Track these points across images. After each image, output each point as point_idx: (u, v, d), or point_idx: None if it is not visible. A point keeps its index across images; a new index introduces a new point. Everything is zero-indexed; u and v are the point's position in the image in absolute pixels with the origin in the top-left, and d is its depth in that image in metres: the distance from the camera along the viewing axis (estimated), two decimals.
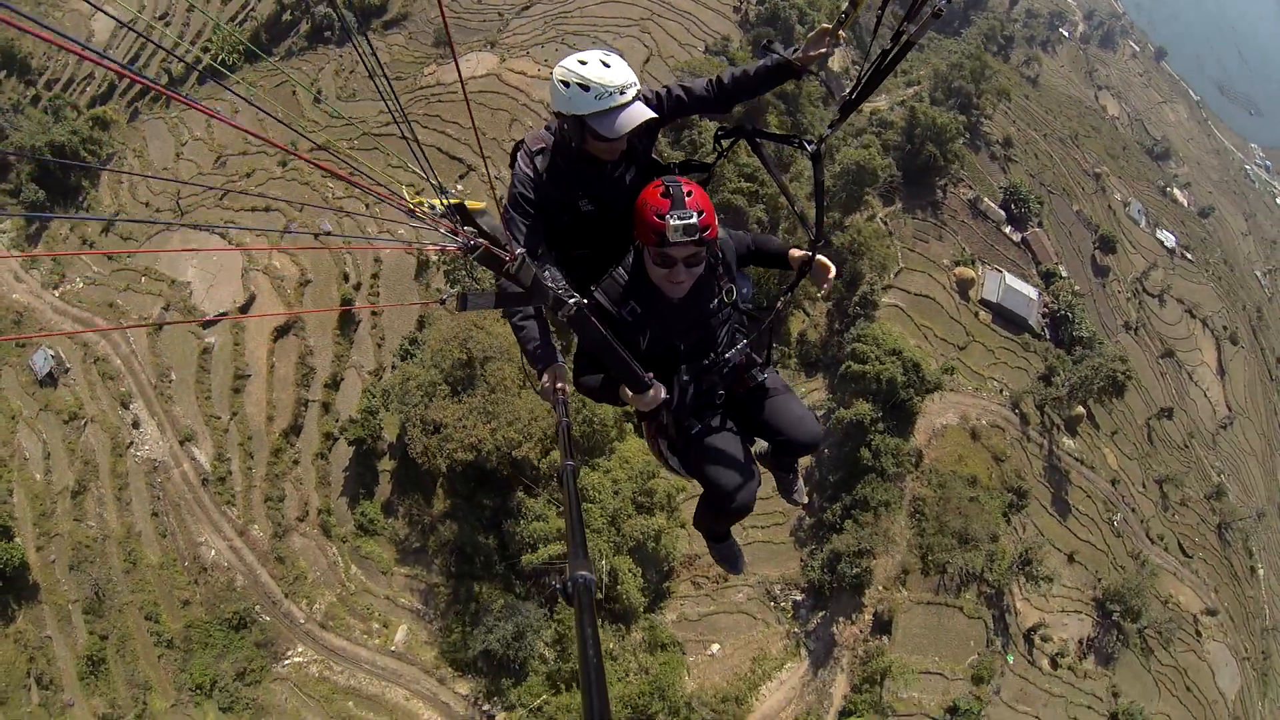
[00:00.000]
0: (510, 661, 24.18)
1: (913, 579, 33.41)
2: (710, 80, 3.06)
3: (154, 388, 26.28)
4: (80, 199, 30.07)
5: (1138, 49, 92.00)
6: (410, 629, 26.25)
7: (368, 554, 26.98)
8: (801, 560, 32.32)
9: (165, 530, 24.82)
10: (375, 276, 30.61)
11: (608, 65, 2.64)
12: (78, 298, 27.86)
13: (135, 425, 25.61)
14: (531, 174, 2.88)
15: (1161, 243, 56.34)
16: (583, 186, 2.89)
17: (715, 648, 29.42)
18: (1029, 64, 64.38)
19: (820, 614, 31.31)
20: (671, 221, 2.61)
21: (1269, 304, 66.88)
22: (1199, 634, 41.50)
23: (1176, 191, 65.89)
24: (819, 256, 3.21)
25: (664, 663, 25.69)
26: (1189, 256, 57.65)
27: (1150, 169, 68.25)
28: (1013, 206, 47.33)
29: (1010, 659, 33.76)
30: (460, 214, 1.94)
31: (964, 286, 42.56)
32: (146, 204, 31.01)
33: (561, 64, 2.72)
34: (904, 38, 2.50)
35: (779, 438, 3.32)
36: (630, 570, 26.24)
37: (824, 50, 2.85)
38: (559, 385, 2.74)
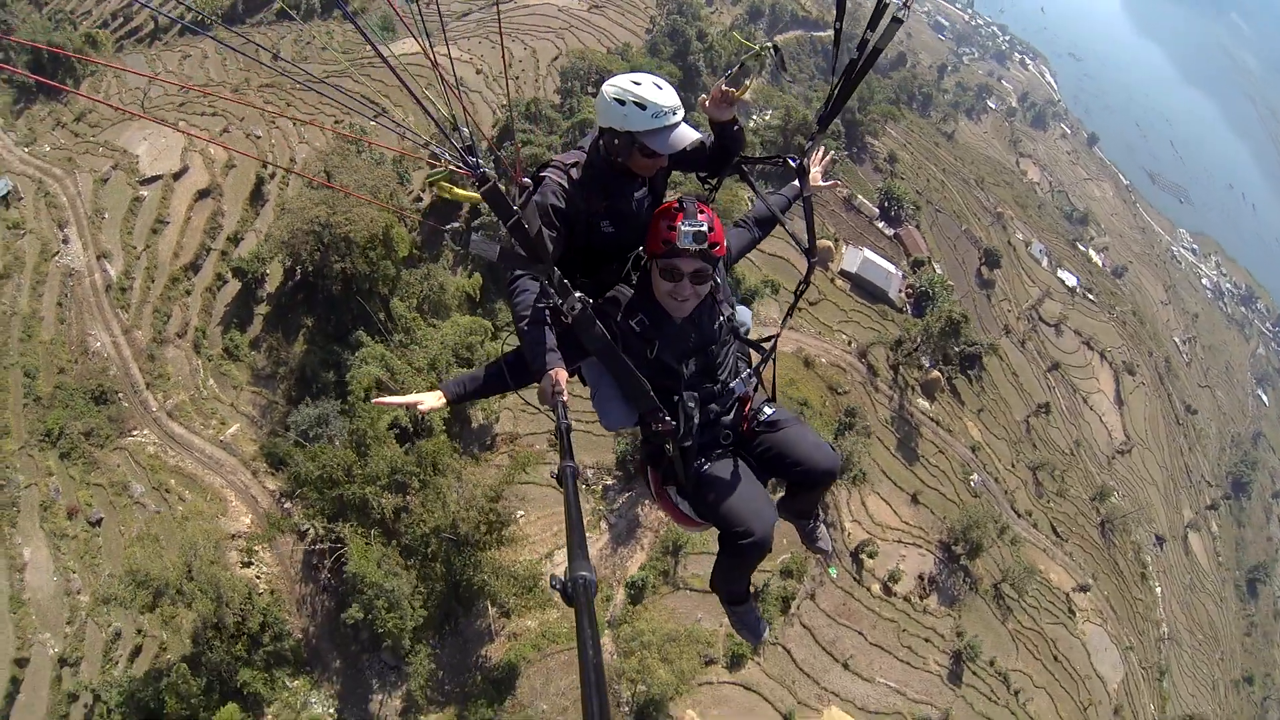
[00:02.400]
0: (311, 443, 30.35)
1: None
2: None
3: (89, 219, 35.47)
4: (63, 96, 40.92)
5: (1069, 132, 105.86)
6: (242, 429, 33.10)
7: (225, 371, 34.49)
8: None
9: (65, 319, 32.88)
10: (287, 171, 40.92)
11: (660, 88, 3.08)
12: (43, 154, 38.06)
13: (65, 241, 34.58)
14: (565, 185, 3.22)
15: (1063, 281, 64.38)
16: (610, 202, 3.26)
17: (520, 514, 33.96)
18: (946, 120, 76.82)
19: (627, 494, 36.60)
20: (682, 228, 2.95)
21: (1186, 369, 74.34)
22: (1072, 612, 44.99)
23: (1091, 252, 74.77)
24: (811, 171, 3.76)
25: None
26: (1091, 297, 65.20)
27: (1062, 225, 77.82)
28: (887, 204, 55.96)
29: (834, 572, 37.56)
30: (473, 153, 2.23)
31: (823, 257, 50.74)
32: (117, 109, 42.56)
33: (612, 84, 3.14)
34: (869, 45, 2.89)
35: (797, 468, 3.36)
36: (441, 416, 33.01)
37: (730, 108, 3.33)
38: (559, 388, 2.82)
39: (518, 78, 49.17)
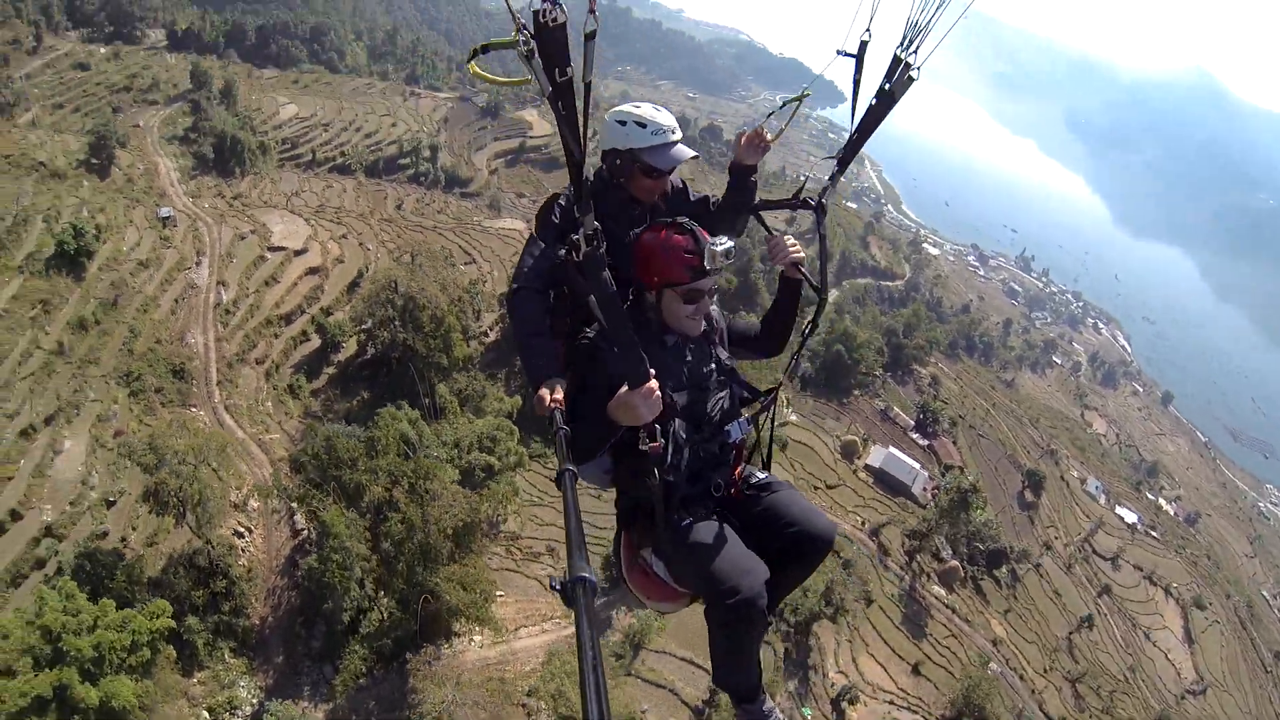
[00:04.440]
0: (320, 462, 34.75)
1: None
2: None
3: (220, 257, 46.92)
4: (229, 180, 56.73)
5: (1141, 390, 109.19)
6: (279, 439, 39.77)
7: (284, 401, 42.22)
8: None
9: (176, 313, 42.58)
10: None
11: (659, 110, 3.47)
12: (202, 207, 52.05)
13: (197, 264, 45.71)
14: (568, 206, 3.49)
15: (1121, 518, 64.97)
16: (612, 227, 3.34)
17: (500, 594, 36.87)
18: (1006, 369, 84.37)
19: (605, 598, 37.83)
20: (716, 248, 3.10)
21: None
22: None
23: (1161, 500, 74.91)
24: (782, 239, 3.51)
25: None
26: (1154, 534, 65.02)
27: (1125, 470, 78.69)
28: (923, 417, 61.18)
29: (808, 713, 37.31)
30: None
31: (849, 450, 54.84)
32: (265, 202, 57.66)
33: (616, 109, 3.52)
34: (890, 90, 3.12)
35: (791, 529, 3.26)
36: (452, 480, 35.87)
37: (759, 152, 3.67)
38: (556, 398, 3.03)
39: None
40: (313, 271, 49.91)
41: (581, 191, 2.60)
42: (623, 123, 3.48)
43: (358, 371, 44.80)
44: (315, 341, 45.84)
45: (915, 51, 3.06)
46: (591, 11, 2.31)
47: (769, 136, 3.66)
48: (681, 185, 3.87)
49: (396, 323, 42.08)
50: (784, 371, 4.04)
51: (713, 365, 3.43)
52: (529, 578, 39.02)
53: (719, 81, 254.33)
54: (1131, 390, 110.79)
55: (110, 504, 31.56)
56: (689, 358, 3.36)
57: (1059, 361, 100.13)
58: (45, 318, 38.35)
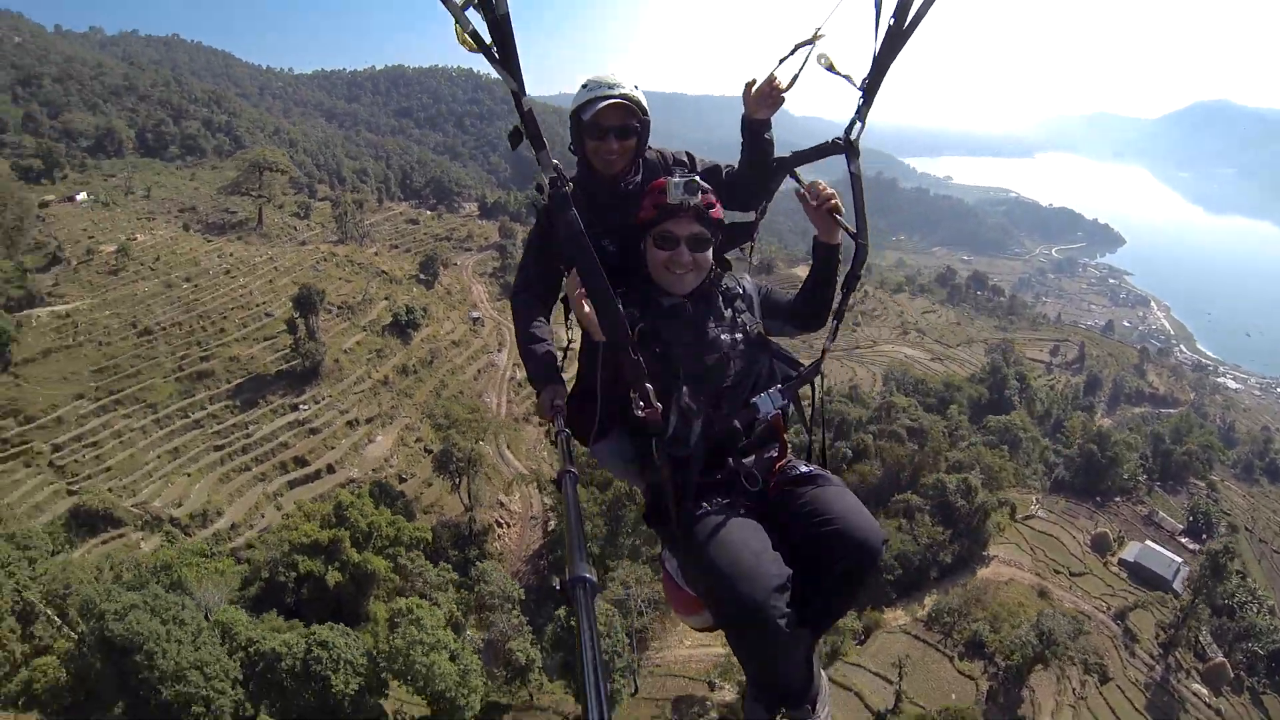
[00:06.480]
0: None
1: (915, 625, 43.34)
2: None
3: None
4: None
5: None
6: (548, 470, 52.35)
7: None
8: None
9: (478, 379, 58.22)
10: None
11: (615, 75, 3.49)
12: (505, 316, 70.46)
13: (499, 350, 61.99)
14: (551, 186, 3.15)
15: None
16: (605, 215, 3.40)
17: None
18: None
19: None
20: (671, 182, 3.03)
21: None
22: None
23: None
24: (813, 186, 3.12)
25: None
26: None
27: None
28: (1194, 519, 58.40)
29: None
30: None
31: (1100, 543, 54.58)
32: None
33: None
34: (911, 12, 2.72)
35: (828, 528, 2.75)
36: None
37: (772, 106, 3.37)
38: (557, 401, 3.20)
39: None
40: None
41: (532, 130, 2.36)
42: (579, 90, 3.52)
43: None
44: None
45: None
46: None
47: (782, 85, 3.29)
48: (687, 158, 3.77)
49: None
50: (828, 337, 3.27)
51: (738, 335, 3.12)
52: None
53: (991, 240, 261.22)
54: None
55: (403, 480, 45.39)
56: (695, 319, 3.08)
57: None
58: (378, 360, 56.34)
